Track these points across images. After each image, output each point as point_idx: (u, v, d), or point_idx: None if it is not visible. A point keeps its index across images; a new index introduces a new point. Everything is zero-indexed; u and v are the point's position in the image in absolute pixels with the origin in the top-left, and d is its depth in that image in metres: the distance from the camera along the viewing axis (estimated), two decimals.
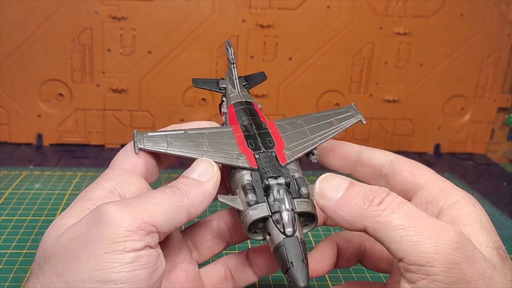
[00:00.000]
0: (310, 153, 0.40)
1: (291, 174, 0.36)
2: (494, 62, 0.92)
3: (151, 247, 0.32)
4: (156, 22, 0.84)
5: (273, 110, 0.90)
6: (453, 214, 0.35)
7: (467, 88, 0.93)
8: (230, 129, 0.41)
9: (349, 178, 0.34)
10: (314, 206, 0.35)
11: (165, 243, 0.37)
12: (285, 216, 0.33)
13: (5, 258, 0.53)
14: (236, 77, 0.47)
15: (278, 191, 0.34)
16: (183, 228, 0.41)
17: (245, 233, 0.35)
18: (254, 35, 0.86)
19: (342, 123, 0.42)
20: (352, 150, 0.43)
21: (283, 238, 0.33)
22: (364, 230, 0.32)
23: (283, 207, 0.33)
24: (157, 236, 0.32)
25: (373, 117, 0.93)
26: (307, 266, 0.32)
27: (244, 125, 0.41)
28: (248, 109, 0.43)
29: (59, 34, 0.83)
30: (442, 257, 0.29)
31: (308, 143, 0.39)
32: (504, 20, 0.89)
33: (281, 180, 0.34)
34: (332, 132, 0.41)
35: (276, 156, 0.37)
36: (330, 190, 0.33)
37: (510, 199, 0.80)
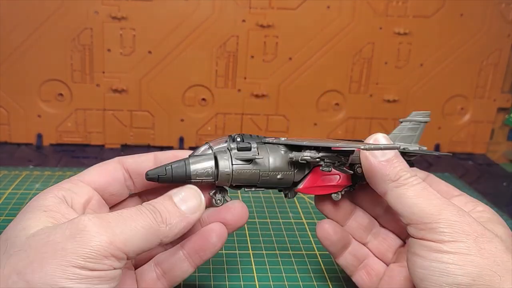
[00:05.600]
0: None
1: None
2: (494, 62, 0.92)
3: (116, 268, 0.34)
4: (156, 22, 0.84)
5: (273, 110, 0.90)
6: (476, 215, 0.40)
7: (467, 88, 0.93)
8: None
9: (396, 148, 0.40)
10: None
11: None
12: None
13: None
14: None
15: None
16: None
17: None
18: (254, 35, 0.86)
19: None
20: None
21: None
22: (384, 195, 0.40)
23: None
24: (125, 261, 0.35)
25: (373, 117, 0.93)
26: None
27: None
28: None
29: (59, 34, 0.83)
30: (445, 216, 0.36)
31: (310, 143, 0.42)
32: (504, 20, 0.89)
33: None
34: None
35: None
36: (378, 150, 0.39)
37: (510, 199, 0.80)
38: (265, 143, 0.43)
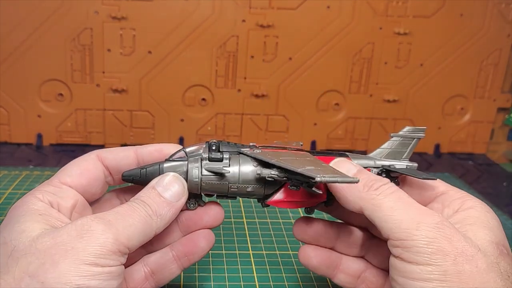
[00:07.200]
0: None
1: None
2: (494, 62, 0.92)
3: (122, 264, 0.36)
4: (156, 22, 0.84)
5: (273, 110, 0.90)
6: (462, 215, 0.38)
7: (467, 88, 0.93)
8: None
9: (359, 165, 0.40)
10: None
11: None
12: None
13: None
14: None
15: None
16: None
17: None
18: (254, 35, 0.86)
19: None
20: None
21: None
22: (361, 211, 0.38)
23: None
24: (127, 254, 0.36)
25: (373, 117, 0.93)
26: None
27: None
28: None
29: (59, 34, 0.83)
30: (422, 233, 0.34)
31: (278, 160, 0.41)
32: (504, 20, 0.89)
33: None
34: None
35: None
36: (340, 171, 0.38)
37: (510, 199, 0.80)
38: (240, 153, 0.43)
